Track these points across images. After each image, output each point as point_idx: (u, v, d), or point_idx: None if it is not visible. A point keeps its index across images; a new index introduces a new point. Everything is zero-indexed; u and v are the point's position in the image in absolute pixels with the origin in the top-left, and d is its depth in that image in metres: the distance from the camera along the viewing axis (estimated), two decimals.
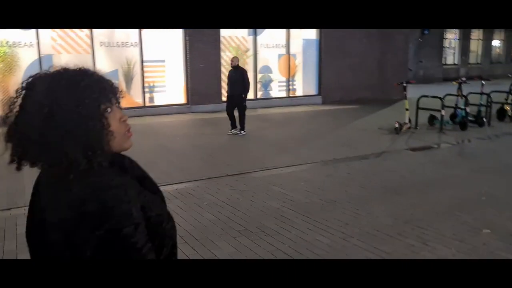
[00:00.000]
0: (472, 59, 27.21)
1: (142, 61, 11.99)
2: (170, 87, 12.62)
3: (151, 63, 12.21)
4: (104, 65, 11.56)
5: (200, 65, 12.52)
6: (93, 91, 1.08)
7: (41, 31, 10.69)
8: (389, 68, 15.80)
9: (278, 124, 11.02)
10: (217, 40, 12.79)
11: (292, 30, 14.16)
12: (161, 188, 1.28)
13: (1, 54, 10.60)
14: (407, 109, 9.81)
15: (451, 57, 26.38)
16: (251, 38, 13.58)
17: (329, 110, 13.49)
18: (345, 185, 5.73)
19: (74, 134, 1.03)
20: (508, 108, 11.14)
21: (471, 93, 10.34)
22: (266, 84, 14.15)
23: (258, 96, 13.96)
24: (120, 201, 1.03)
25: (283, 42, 14.16)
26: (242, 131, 9.37)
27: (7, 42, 10.52)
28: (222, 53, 13.07)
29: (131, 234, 1.03)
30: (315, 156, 7.43)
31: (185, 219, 4.51)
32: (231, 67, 9.44)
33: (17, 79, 10.73)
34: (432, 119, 10.17)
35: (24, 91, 1.08)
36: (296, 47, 14.47)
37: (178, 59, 12.51)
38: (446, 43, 25.83)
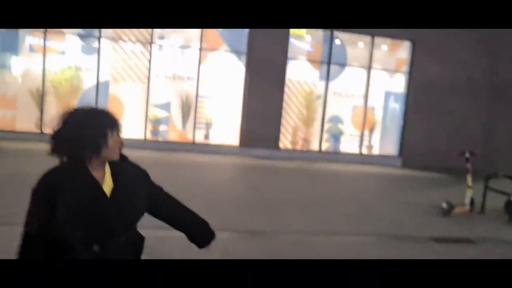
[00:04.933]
0: None
1: (197, 96, 11.60)
2: (223, 125, 11.95)
3: (206, 98, 11.74)
4: (158, 96, 11.49)
5: (258, 107, 11.62)
6: (104, 121, 1.91)
7: (103, 57, 11.07)
8: (501, 135, 12.78)
9: (314, 181, 9.41)
10: (281, 82, 11.79)
11: (373, 80, 12.44)
12: None
13: (67, 77, 11.21)
14: (469, 187, 7.45)
15: None
16: (322, 83, 12.26)
17: (399, 175, 11.28)
18: None
19: (86, 140, 1.85)
20: None
21: None
22: (335, 136, 12.54)
23: (323, 149, 12.40)
24: (42, 190, 1.87)
25: (361, 92, 12.48)
26: None
27: (72, 66, 11.09)
28: (286, 97, 12.00)
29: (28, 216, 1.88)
30: (295, 225, 5.85)
31: None
32: None
33: (76, 101, 11.22)
34: (509, 204, 7.53)
35: (67, 115, 1.90)
36: (376, 99, 12.64)
37: (235, 97, 11.82)
38: None
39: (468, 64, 12.45)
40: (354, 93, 12.49)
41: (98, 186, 1.88)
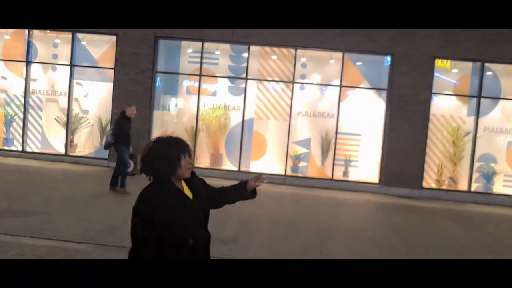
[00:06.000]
0: None
1: (336, 133, 11.69)
2: (363, 163, 11.79)
3: (346, 135, 11.76)
4: (299, 133, 11.87)
5: (399, 143, 11.26)
6: (178, 148, 2.41)
7: (248, 97, 11.87)
8: None
9: (463, 224, 8.68)
10: (425, 118, 11.29)
11: None
12: None
13: (217, 116, 12.25)
14: None
15: None
16: (471, 118, 11.42)
17: None
18: None
19: (165, 163, 2.36)
20: None
21: None
22: (487, 176, 11.47)
23: (473, 189, 11.42)
24: (144, 205, 2.34)
25: None
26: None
27: (221, 106, 12.09)
28: (430, 133, 11.42)
29: (139, 227, 2.32)
30: None
31: None
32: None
33: (224, 137, 12.16)
34: None
35: (152, 144, 2.44)
36: None
37: (375, 134, 11.63)
38: None
39: None
40: (510, 129, 11.37)
41: (185, 195, 2.45)
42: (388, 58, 11.52)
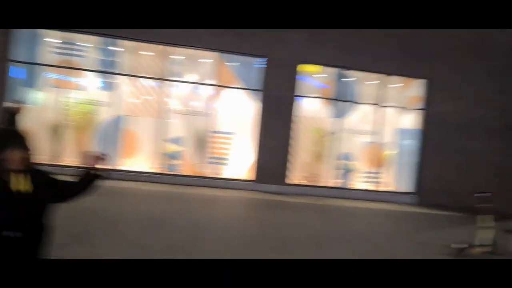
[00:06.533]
0: None
1: (211, 131, 11.79)
2: (237, 161, 12.06)
3: (221, 134, 11.92)
4: (172, 131, 11.69)
5: (270, 142, 11.73)
6: (5, 141, 2.53)
7: (119, 93, 11.37)
8: None
9: (323, 217, 9.39)
10: (290, 118, 11.91)
11: (387, 117, 12.56)
12: None
13: (84, 112, 11.50)
14: (486, 227, 7.40)
15: None
16: (334, 120, 12.39)
17: (414, 213, 11.17)
18: None
19: None
20: None
21: None
22: (347, 173, 12.55)
23: (334, 185, 12.39)
24: None
25: (374, 128, 12.58)
26: None
27: (89, 101, 11.39)
28: (295, 133, 12.08)
29: None
30: None
31: None
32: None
33: (92, 134, 11.47)
34: None
35: None
36: (390, 136, 12.72)
37: (249, 133, 11.97)
38: None
39: (482, 102, 12.55)
40: (366, 130, 12.58)
41: (7, 187, 2.50)
42: (261, 60, 11.93)
